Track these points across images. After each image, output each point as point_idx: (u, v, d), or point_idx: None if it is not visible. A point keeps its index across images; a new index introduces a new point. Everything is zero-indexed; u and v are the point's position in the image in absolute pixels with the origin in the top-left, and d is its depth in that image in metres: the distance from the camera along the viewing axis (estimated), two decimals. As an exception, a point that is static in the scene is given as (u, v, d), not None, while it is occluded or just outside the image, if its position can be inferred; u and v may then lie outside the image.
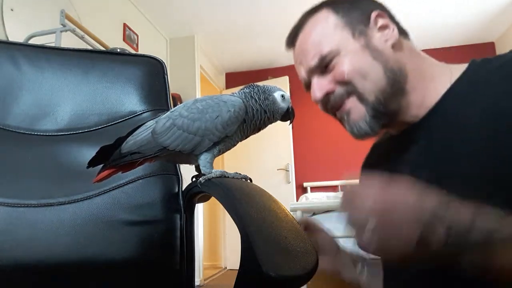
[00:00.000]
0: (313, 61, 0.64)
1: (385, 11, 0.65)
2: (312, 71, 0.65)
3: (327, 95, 0.64)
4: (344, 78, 0.61)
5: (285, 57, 4.47)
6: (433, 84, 0.62)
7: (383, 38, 0.63)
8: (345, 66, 0.61)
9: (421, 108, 0.62)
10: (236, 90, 0.71)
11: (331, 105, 0.66)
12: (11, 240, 0.67)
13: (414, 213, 0.43)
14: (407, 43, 0.65)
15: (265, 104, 0.67)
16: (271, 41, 4.05)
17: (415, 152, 0.61)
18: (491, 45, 4.25)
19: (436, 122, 0.60)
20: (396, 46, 0.63)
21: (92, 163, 0.62)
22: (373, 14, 0.63)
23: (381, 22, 0.63)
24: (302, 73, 0.68)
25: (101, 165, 0.63)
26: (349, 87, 0.62)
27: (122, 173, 0.65)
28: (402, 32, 0.65)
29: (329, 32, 0.63)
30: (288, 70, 4.51)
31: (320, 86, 0.65)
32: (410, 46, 0.65)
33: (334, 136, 4.29)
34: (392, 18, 0.65)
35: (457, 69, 0.61)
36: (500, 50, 4.17)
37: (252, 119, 0.65)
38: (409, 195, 0.45)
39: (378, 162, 0.73)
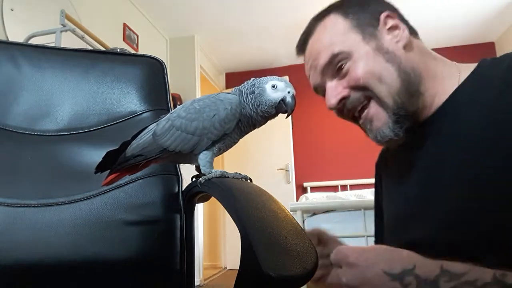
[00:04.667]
0: (323, 60, 0.63)
1: (394, 11, 0.64)
2: (324, 74, 0.64)
3: (342, 100, 0.63)
4: (360, 83, 0.60)
5: (285, 57, 4.47)
6: (443, 84, 0.61)
7: (394, 40, 0.62)
8: (359, 70, 0.60)
9: (430, 109, 0.61)
10: (236, 89, 0.70)
11: (347, 110, 0.64)
12: (11, 240, 0.67)
13: (384, 279, 0.49)
14: (417, 43, 0.64)
15: (250, 99, 0.63)
16: (271, 41, 4.06)
17: (422, 154, 0.61)
18: (491, 45, 4.25)
19: (442, 123, 0.59)
20: (407, 47, 0.62)
21: (100, 168, 0.63)
22: (382, 16, 0.62)
23: (390, 23, 0.62)
24: (314, 77, 0.66)
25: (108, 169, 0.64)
26: (366, 92, 0.61)
27: (129, 175, 0.67)
28: (412, 32, 0.64)
29: (339, 36, 0.62)
30: (288, 70, 4.50)
31: (334, 92, 0.63)
32: (421, 46, 0.64)
33: (334, 136, 4.29)
34: (402, 18, 0.65)
35: (466, 69, 0.61)
36: (500, 50, 4.17)
37: (245, 117, 0.64)
38: (378, 261, 0.51)
39: (389, 162, 0.74)
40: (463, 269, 0.45)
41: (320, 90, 0.68)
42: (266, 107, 0.63)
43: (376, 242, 0.81)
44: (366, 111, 0.63)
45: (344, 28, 0.63)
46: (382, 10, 0.63)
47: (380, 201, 0.77)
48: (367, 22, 0.62)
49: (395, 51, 0.61)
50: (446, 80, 0.61)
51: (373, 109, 0.62)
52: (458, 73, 0.61)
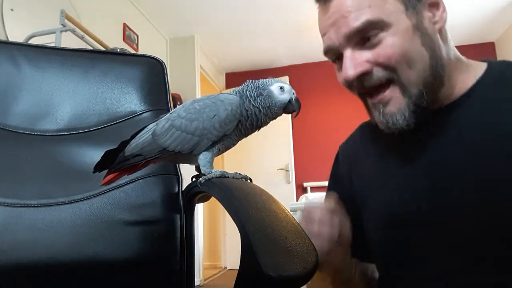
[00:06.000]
0: (355, 23, 0.53)
1: None
2: (348, 39, 0.55)
3: (362, 75, 0.56)
4: (390, 63, 0.54)
5: (285, 57, 4.48)
6: (463, 76, 0.58)
7: (432, 19, 0.56)
8: (394, 48, 0.53)
9: (447, 100, 0.58)
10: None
11: (361, 86, 0.58)
12: (11, 240, 0.67)
13: None
14: (445, 28, 0.59)
15: (258, 101, 0.63)
16: (271, 41, 4.06)
17: (436, 141, 0.58)
18: (491, 45, 4.25)
19: (461, 117, 0.56)
20: (441, 31, 0.57)
21: (98, 167, 0.63)
22: None
23: None
24: (332, 37, 0.57)
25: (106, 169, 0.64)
26: (392, 74, 0.55)
27: (128, 175, 0.66)
28: None
29: None
30: (288, 70, 4.51)
31: (355, 62, 0.55)
32: (447, 32, 0.59)
33: (334, 136, 4.28)
34: None
35: (478, 65, 0.59)
36: (500, 50, 4.17)
37: (247, 119, 0.64)
38: None
39: (370, 152, 0.69)
40: None
41: (333, 53, 0.60)
42: (276, 109, 0.64)
43: None
44: (384, 92, 0.56)
45: None
46: None
47: (347, 186, 0.71)
48: None
49: (432, 35, 0.55)
50: (464, 72, 0.59)
51: (393, 92, 0.56)
52: (473, 68, 0.59)
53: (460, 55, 0.62)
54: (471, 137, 0.54)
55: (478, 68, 0.59)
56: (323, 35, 0.60)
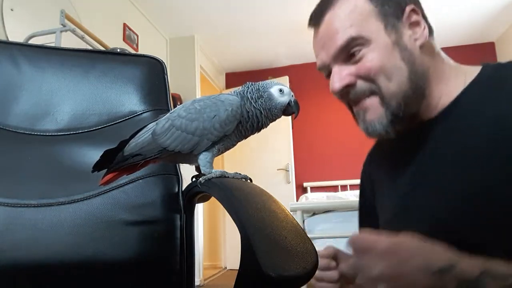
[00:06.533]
0: (339, 41, 0.59)
1: (418, 6, 0.62)
2: (336, 57, 0.61)
3: (347, 88, 0.61)
4: (370, 75, 0.59)
5: (285, 57, 4.47)
6: (448, 86, 0.61)
7: (413, 37, 0.60)
8: (373, 61, 0.58)
9: (434, 110, 0.61)
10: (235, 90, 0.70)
11: (349, 99, 0.63)
12: (11, 240, 0.67)
13: (423, 274, 0.45)
14: (431, 43, 0.63)
15: (259, 103, 0.64)
16: (271, 41, 4.05)
17: (422, 153, 0.61)
18: (491, 45, 4.25)
19: (447, 125, 0.58)
20: (423, 47, 0.61)
21: (97, 167, 0.63)
22: (408, 9, 0.60)
23: (414, 18, 0.61)
24: (323, 57, 0.63)
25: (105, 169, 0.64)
26: (372, 86, 0.60)
27: (127, 175, 0.66)
28: (430, 30, 0.63)
29: (361, 18, 0.59)
30: (288, 70, 4.50)
31: (340, 76, 0.61)
32: (433, 46, 0.63)
33: (334, 136, 4.29)
34: (423, 14, 0.63)
35: (471, 72, 0.61)
36: (500, 50, 4.17)
37: (248, 121, 0.64)
38: (416, 255, 0.47)
39: (382, 161, 0.73)
40: (508, 269, 0.43)
41: (325, 70, 0.66)
42: (276, 111, 0.65)
43: None
44: (363, 100, 0.61)
45: (368, 12, 0.60)
46: (407, 2, 0.61)
47: (372, 201, 0.76)
48: (392, 12, 0.60)
49: (412, 50, 0.59)
50: (452, 82, 0.61)
51: (372, 101, 0.61)
52: (464, 75, 0.61)
53: (452, 62, 0.64)
54: (446, 150, 0.57)
55: (469, 75, 0.60)
56: (316, 56, 0.66)
